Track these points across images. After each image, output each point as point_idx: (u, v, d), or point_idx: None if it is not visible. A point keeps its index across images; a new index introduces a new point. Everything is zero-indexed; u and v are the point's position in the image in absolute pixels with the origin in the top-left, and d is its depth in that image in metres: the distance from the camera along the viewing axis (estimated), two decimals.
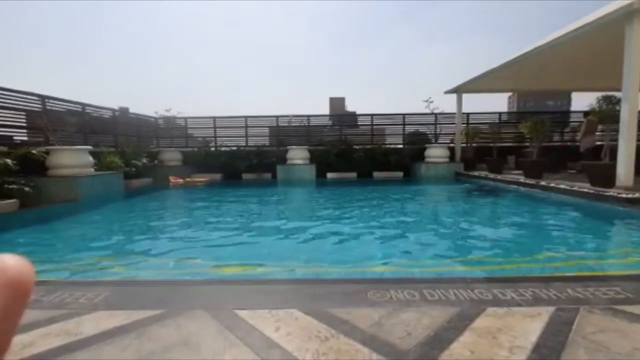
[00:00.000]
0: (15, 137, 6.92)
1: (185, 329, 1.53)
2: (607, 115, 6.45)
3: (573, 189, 5.87)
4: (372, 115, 12.17)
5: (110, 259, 3.31)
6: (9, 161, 5.26)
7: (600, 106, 6.52)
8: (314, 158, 11.12)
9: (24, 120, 6.93)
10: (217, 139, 12.31)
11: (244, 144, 12.17)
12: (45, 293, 1.92)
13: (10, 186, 5.19)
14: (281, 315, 1.64)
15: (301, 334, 1.48)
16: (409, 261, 3.05)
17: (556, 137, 12.44)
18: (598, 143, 8.01)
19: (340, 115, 16.18)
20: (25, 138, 7.11)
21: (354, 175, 10.94)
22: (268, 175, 10.96)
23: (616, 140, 5.53)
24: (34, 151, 6.03)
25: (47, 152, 6.38)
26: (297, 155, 10.90)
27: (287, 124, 12.31)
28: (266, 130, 12.63)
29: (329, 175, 10.88)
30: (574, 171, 8.87)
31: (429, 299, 1.79)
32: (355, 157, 11.12)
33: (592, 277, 2.28)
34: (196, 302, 1.82)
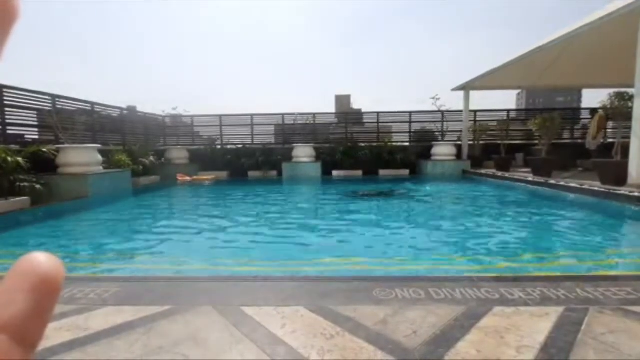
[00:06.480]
0: (26, 136, 7.06)
1: (192, 325, 1.55)
2: (619, 112, 6.31)
3: (583, 187, 5.77)
4: (378, 113, 12.11)
5: (118, 255, 3.36)
6: (20, 159, 5.36)
7: (612, 102, 6.38)
8: (319, 156, 11.12)
9: (34, 119, 7.06)
10: (223, 137, 12.37)
11: (250, 142, 12.22)
12: None
13: (22, 184, 5.29)
14: (287, 313, 1.65)
15: (307, 331, 1.49)
16: (415, 258, 3.04)
17: (566, 135, 12.24)
18: (610, 140, 7.85)
19: (347, 113, 16.13)
20: (36, 136, 7.24)
21: (359, 173, 10.92)
22: (274, 173, 10.99)
23: (628, 137, 5.41)
24: (44, 149, 6.13)
25: (58, 151, 6.49)
26: (303, 153, 10.90)
27: (292, 122, 12.32)
28: (272, 128, 12.66)
29: (335, 173, 10.86)
30: (581, 169, 8.72)
31: (435, 298, 1.78)
32: (361, 155, 11.09)
33: (602, 277, 2.24)
34: (203, 299, 1.84)
